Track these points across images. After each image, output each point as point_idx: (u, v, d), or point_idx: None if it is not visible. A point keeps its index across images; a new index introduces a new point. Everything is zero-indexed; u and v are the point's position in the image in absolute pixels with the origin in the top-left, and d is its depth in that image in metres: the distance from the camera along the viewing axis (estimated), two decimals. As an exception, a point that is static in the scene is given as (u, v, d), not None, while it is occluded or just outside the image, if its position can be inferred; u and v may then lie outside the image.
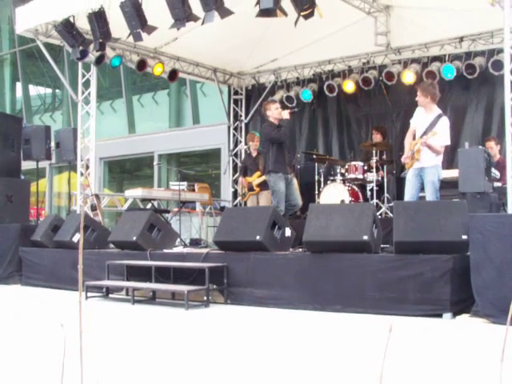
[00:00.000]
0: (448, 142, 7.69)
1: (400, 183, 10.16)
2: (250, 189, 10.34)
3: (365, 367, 3.69)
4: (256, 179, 10.26)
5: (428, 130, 7.50)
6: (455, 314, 5.65)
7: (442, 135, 7.47)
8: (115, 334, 5.30)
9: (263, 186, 10.28)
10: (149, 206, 10.94)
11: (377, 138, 10.64)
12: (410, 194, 7.62)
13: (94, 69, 10.61)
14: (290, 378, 3.52)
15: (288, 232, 7.29)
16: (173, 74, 11.69)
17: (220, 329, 5.57)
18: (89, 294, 7.54)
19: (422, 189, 7.67)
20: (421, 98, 7.61)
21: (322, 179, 10.52)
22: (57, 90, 22.79)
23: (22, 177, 11.24)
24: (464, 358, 4.09)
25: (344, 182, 9.95)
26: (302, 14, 7.22)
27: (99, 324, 5.85)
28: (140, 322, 5.98)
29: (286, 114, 8.56)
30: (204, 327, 5.68)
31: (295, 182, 8.99)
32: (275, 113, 8.62)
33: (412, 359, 4.02)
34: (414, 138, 7.78)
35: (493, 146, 8.97)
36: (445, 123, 7.58)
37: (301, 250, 7.46)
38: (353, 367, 3.78)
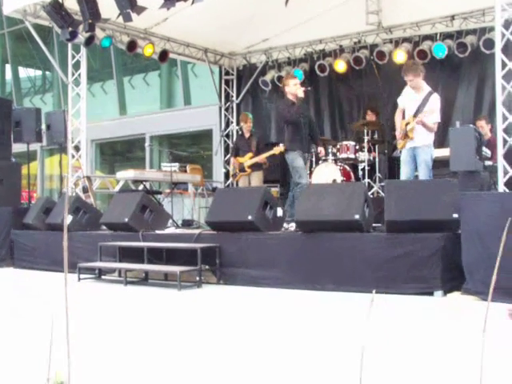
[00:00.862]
0: (439, 119, 7.71)
1: (392, 163, 10.18)
2: (241, 169, 10.33)
3: (351, 342, 3.72)
4: (248, 160, 10.24)
5: (421, 107, 7.51)
6: (446, 291, 5.69)
7: (434, 112, 7.49)
8: (107, 314, 5.32)
9: (255, 167, 10.27)
10: (141, 187, 10.92)
11: (372, 118, 10.62)
12: (406, 175, 7.64)
13: (83, 50, 10.52)
14: (279, 356, 3.54)
15: (280, 212, 7.30)
16: (163, 55, 11.60)
17: (212, 309, 5.60)
18: (81, 276, 7.53)
19: (416, 168, 7.70)
20: (414, 80, 7.55)
21: (313, 159, 10.51)
22: (47, 72, 22.61)
23: (13, 159, 11.18)
24: (450, 332, 4.13)
25: (336, 162, 9.95)
26: (292, -8, 7.18)
27: (91, 305, 5.87)
28: (132, 303, 6.00)
29: (300, 92, 8.45)
30: (196, 307, 5.70)
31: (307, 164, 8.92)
32: (293, 89, 8.48)
33: (399, 334, 4.06)
34: (403, 117, 7.79)
35: (483, 125, 8.98)
36: (436, 100, 7.60)
37: (291, 226, 7.52)
38: (340, 342, 3.81)
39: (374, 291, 1.58)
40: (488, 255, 5.26)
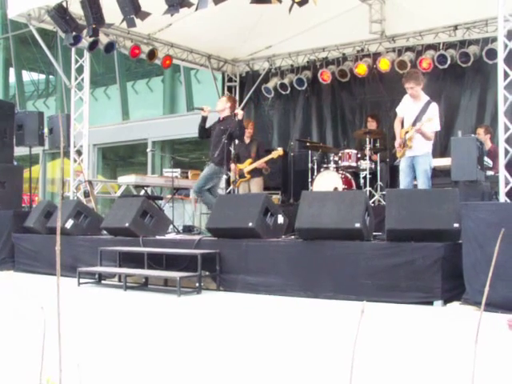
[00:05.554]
0: (438, 128, 7.75)
1: (393, 171, 10.18)
2: (241, 176, 10.33)
3: (344, 351, 3.71)
4: (247, 166, 10.24)
5: (419, 116, 7.52)
6: (446, 301, 5.68)
7: (433, 121, 7.51)
8: (106, 319, 5.31)
9: (254, 173, 10.26)
10: (142, 192, 10.93)
11: (372, 125, 10.62)
12: (405, 184, 7.65)
13: (87, 55, 10.55)
14: (276, 362, 3.54)
15: (280, 219, 7.30)
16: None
17: (211, 315, 5.59)
18: (81, 280, 7.53)
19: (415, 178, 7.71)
20: (415, 88, 7.58)
21: (315, 167, 10.53)
22: (50, 76, 22.67)
23: (15, 163, 11.20)
24: (446, 343, 4.11)
25: (337, 170, 9.95)
26: (296, 0, 7.19)
27: (90, 309, 5.87)
28: (131, 308, 6.00)
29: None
30: (196, 313, 5.69)
31: None
32: None
33: (393, 343, 4.05)
34: (402, 126, 7.81)
35: (481, 133, 8.99)
36: (435, 109, 7.62)
37: (293, 237, 7.49)
38: (334, 350, 3.80)
39: (364, 301, 1.58)
40: (488, 265, 5.24)
